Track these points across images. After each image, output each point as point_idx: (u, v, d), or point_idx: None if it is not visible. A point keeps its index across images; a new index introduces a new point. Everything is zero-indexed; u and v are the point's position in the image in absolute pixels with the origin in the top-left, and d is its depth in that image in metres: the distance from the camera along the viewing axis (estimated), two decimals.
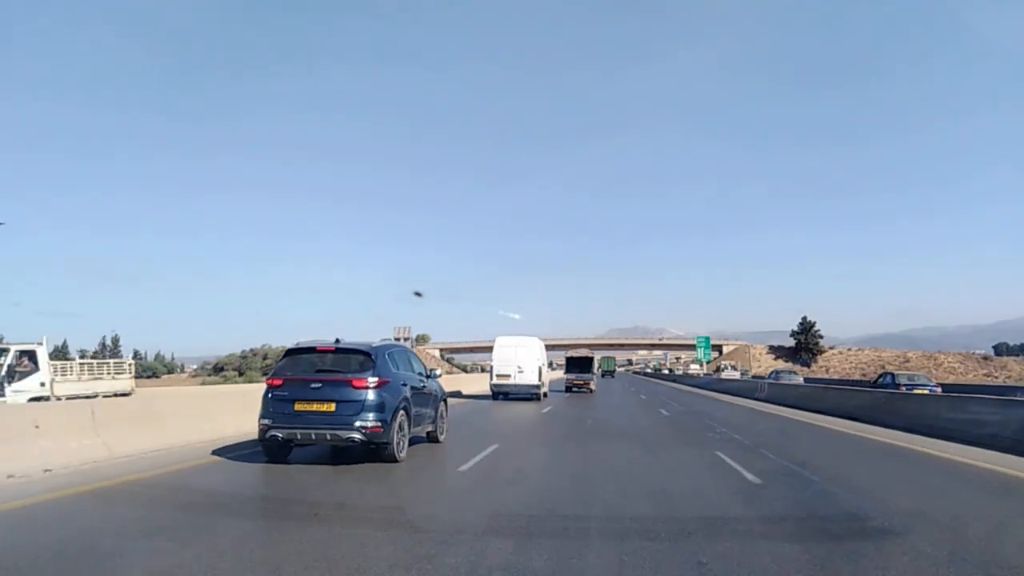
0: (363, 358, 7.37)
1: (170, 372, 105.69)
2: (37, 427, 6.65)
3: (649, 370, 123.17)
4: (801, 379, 34.16)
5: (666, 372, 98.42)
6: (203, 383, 62.21)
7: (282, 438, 7.00)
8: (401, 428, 7.49)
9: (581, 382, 28.29)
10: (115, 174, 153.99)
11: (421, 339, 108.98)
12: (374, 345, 7.71)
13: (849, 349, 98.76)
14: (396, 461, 7.27)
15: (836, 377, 67.58)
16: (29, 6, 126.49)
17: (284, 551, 3.88)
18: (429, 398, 8.98)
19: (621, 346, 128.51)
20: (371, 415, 6.99)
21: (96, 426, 7.31)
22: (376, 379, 7.16)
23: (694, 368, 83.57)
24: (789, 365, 79.30)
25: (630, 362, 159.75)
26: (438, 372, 9.88)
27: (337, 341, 7.67)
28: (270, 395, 7.18)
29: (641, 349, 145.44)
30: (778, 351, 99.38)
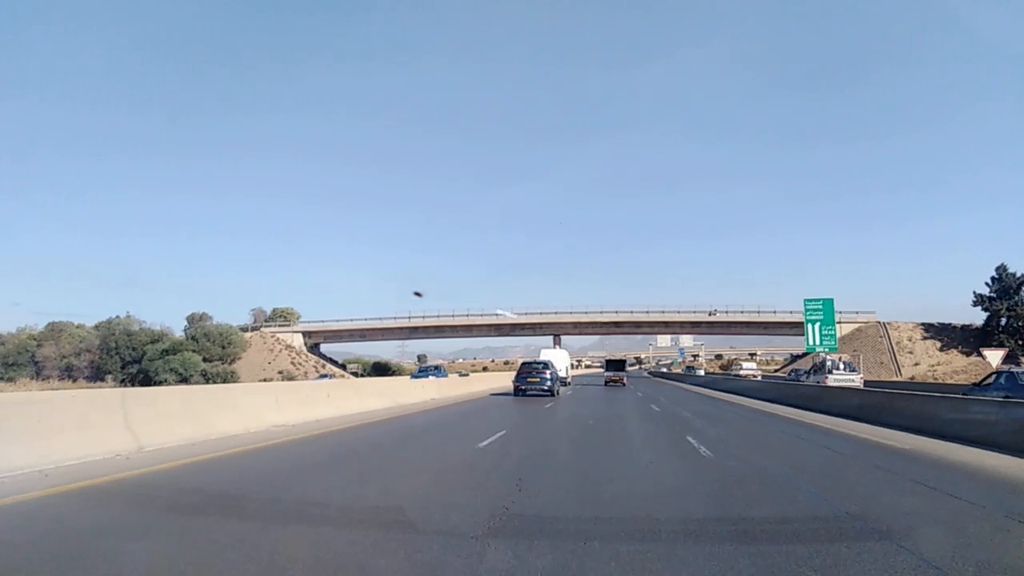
0: (545, 363, 23.36)
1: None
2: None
3: (664, 370, 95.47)
4: None
5: (702, 373, 63.16)
6: None
7: (522, 389, 22.88)
8: (557, 386, 23.30)
9: (616, 378, 38.78)
10: (115, 175, 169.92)
11: (282, 314, 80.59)
12: (548, 360, 23.67)
13: None
14: (554, 396, 22.84)
15: None
16: (28, 6, 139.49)
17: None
18: (558, 376, 24.78)
19: (642, 325, 78.74)
20: (550, 382, 22.86)
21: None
22: (549, 371, 23.10)
23: (747, 368, 59.34)
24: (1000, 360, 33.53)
25: (638, 360, 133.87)
26: (560, 368, 25.77)
27: (534, 361, 23.57)
28: (518, 375, 23.08)
29: (664, 333, 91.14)
30: (945, 333, 58.90)
